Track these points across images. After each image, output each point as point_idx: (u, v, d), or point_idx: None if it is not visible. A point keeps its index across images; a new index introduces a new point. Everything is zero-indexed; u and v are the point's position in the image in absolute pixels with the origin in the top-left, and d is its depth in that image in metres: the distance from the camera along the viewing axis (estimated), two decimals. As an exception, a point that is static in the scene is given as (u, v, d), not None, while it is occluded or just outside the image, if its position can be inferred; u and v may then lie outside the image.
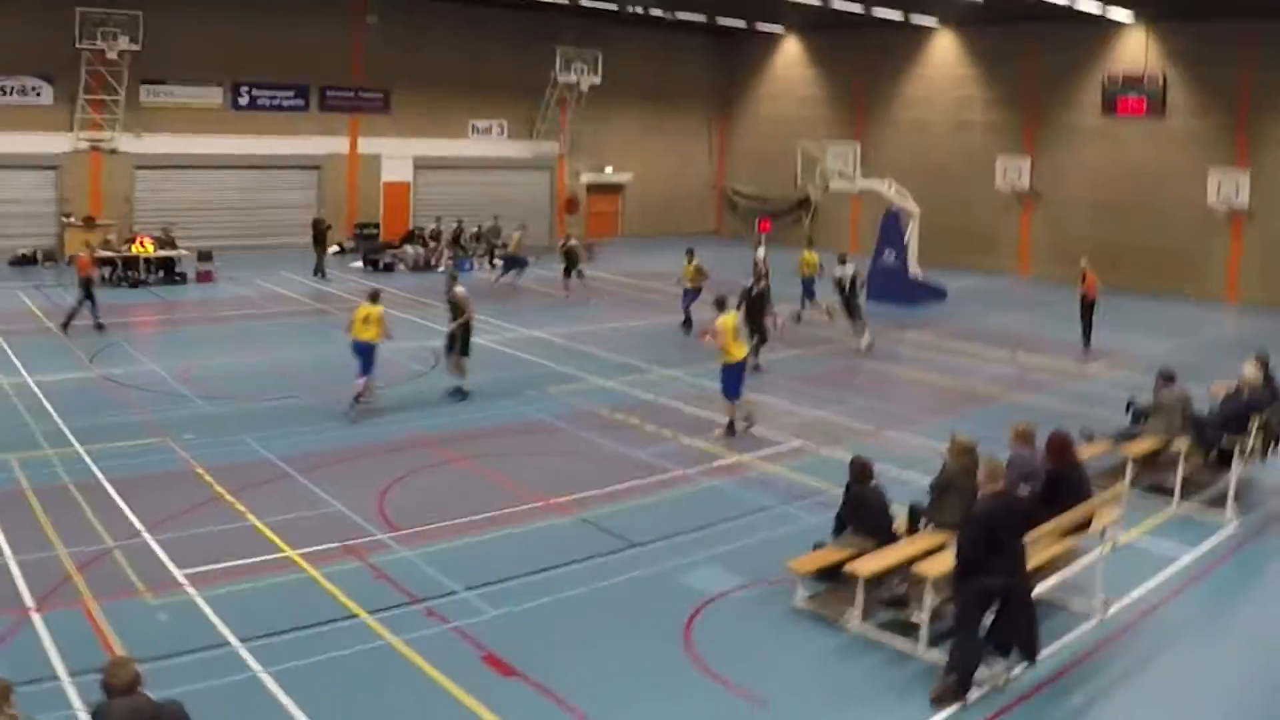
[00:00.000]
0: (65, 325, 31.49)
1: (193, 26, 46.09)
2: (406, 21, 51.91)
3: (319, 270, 42.91)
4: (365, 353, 24.14)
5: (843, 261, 33.54)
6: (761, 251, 36.20)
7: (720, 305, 24.18)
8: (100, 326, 31.64)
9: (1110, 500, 15.82)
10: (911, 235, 42.25)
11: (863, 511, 15.35)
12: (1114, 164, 48.09)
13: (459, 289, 26.63)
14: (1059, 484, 15.13)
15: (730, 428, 23.30)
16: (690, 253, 35.31)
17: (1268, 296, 43.45)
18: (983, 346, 33.13)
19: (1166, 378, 20.60)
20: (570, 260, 40.40)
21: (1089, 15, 44.80)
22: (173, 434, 21.71)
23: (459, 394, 25.75)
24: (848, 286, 33.10)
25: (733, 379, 23.28)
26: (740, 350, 23.31)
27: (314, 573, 15.34)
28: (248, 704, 11.95)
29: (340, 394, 24.84)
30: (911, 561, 14.03)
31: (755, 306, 28.33)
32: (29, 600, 14.14)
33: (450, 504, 18.33)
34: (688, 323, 34.25)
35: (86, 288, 31.66)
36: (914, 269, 42.09)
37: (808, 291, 37.21)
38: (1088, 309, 34.27)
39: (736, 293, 27.61)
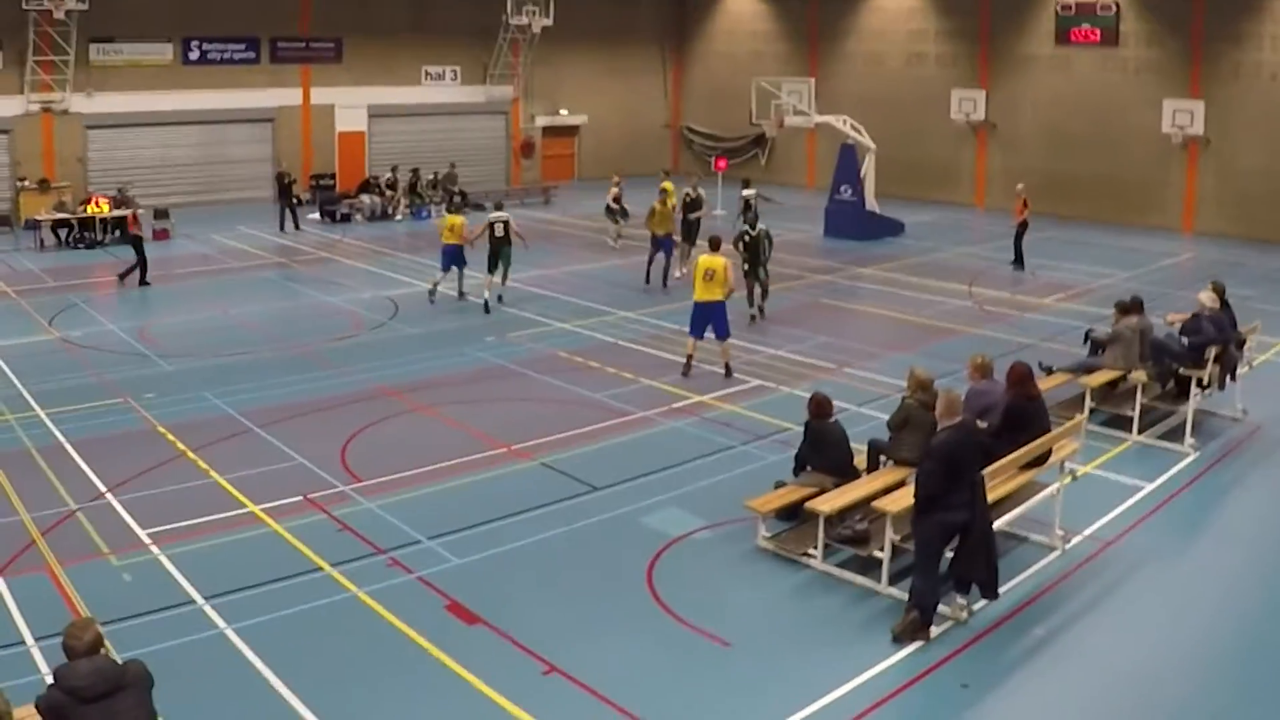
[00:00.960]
0: (141, 280, 32.73)
1: (141, -18, 45.61)
2: (354, -34, 51.47)
3: (293, 223, 42.84)
4: (450, 253, 29.89)
5: (746, 185, 36.42)
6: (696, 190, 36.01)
7: (714, 245, 23.95)
8: (123, 279, 33.01)
9: (1069, 432, 15.93)
10: (868, 170, 42.24)
11: (822, 449, 15.45)
12: (1068, 94, 48.05)
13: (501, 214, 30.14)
14: (1018, 417, 15.21)
15: (686, 365, 23.40)
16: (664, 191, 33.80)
17: (1223, 226, 43.57)
18: (940, 280, 33.17)
19: (1125, 308, 20.73)
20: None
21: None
22: (133, 394, 21.66)
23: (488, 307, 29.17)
24: (753, 206, 34.23)
25: (694, 318, 23.36)
26: (703, 291, 23.03)
27: (277, 527, 15.39)
28: (214, 661, 12.01)
29: (299, 347, 25.08)
30: (872, 498, 14.14)
31: (751, 252, 28.35)
32: (-8, 566, 14.16)
33: (412, 453, 18.38)
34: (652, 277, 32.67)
35: (137, 245, 33.13)
36: (870, 204, 42.10)
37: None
38: (1021, 232, 35.69)
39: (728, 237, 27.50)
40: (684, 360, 23.46)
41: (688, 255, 33.04)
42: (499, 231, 29.55)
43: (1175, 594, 14.04)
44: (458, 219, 30.21)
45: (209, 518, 15.71)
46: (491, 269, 29.69)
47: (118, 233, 39.89)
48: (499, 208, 30.75)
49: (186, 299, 30.85)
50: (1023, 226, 35.52)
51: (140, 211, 34.87)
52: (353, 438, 19.22)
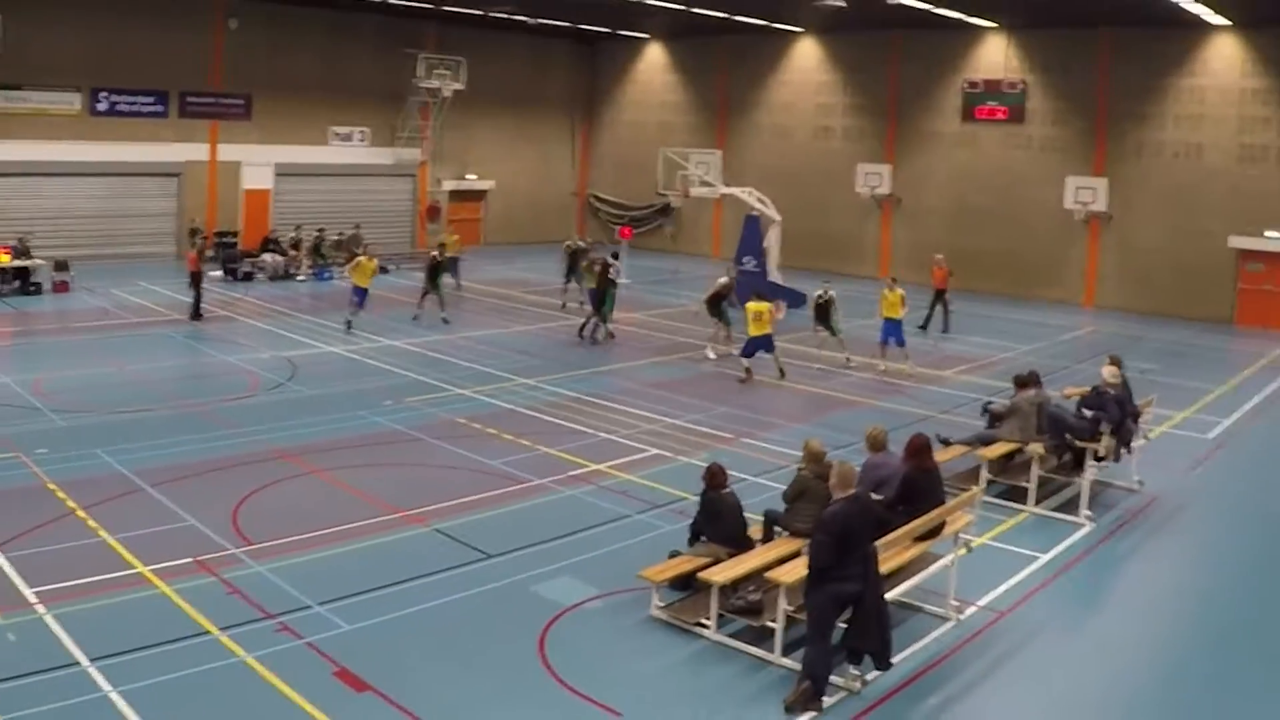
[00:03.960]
0: (195, 316, 35.78)
1: (51, 30, 45.26)
2: (267, 26, 51.47)
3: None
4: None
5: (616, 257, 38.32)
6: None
7: (759, 296, 30.72)
8: (194, 319, 35.78)
9: (964, 504, 16.15)
10: (772, 241, 42.55)
11: (717, 519, 15.49)
12: (974, 170, 49.18)
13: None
14: (913, 488, 15.39)
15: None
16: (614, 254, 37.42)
17: (1123, 301, 44.76)
18: (842, 352, 33.26)
19: (1022, 382, 21.10)
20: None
21: (950, 21, 45.73)
22: (24, 448, 21.36)
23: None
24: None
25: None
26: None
27: (166, 589, 15.22)
28: (96, 725, 11.85)
29: (195, 406, 24.95)
30: (766, 569, 14.21)
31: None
32: (-128, 621, 13.90)
33: (304, 517, 18.24)
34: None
35: (195, 281, 35.96)
36: (773, 274, 42.34)
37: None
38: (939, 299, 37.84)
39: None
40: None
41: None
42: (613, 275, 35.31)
43: (1069, 664, 14.18)
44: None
45: (97, 578, 15.46)
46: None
47: (17, 283, 39.53)
48: (615, 256, 37.46)
49: (83, 353, 30.49)
50: (941, 293, 36.43)
51: (197, 252, 36.65)
52: (245, 499, 19.05)
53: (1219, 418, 27.75)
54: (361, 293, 34.99)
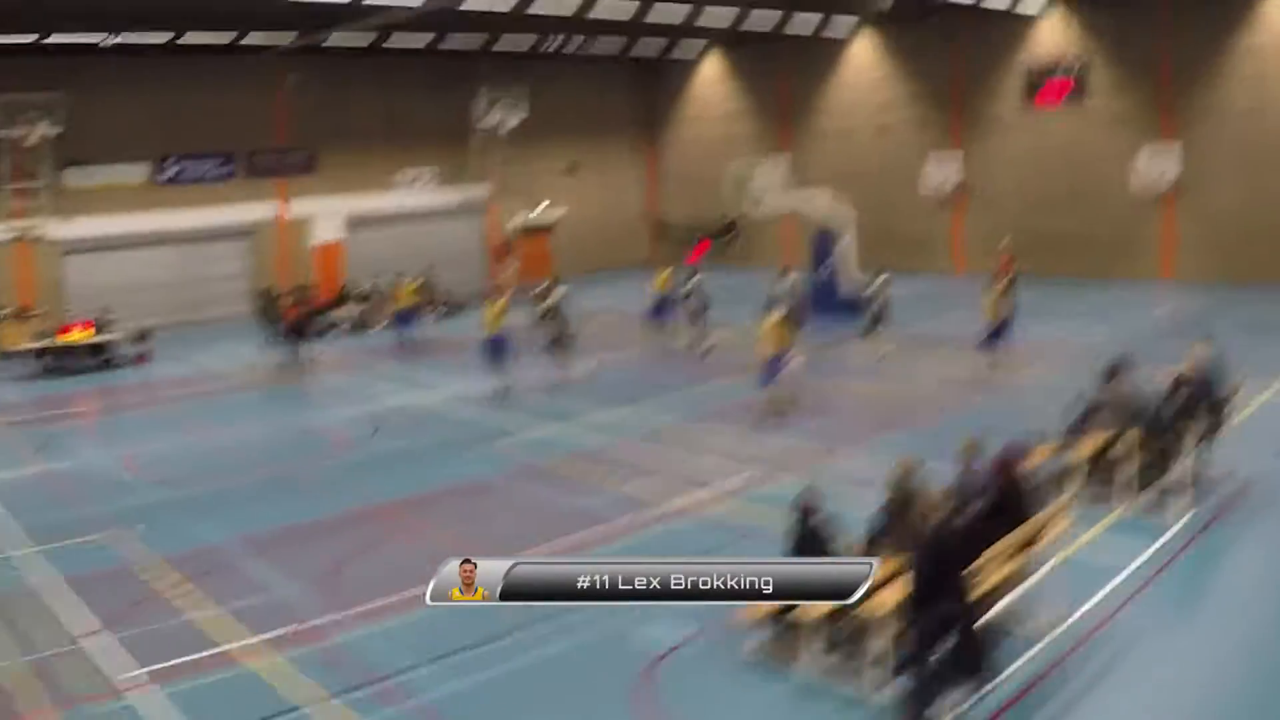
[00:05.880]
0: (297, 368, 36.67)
1: (115, 104, 46.08)
2: (327, 77, 51.83)
3: (278, 340, 42.47)
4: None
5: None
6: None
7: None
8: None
9: (1060, 510, 15.87)
10: (849, 244, 42.05)
11: (808, 550, 15.34)
12: (1042, 152, 48.57)
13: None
14: (1008, 499, 15.14)
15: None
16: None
17: (1204, 271, 44.06)
18: (926, 352, 33.01)
19: (1110, 372, 20.73)
20: None
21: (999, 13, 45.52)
22: (123, 525, 21.49)
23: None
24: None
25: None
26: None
27: (270, 660, 15.24)
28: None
29: (286, 469, 25.01)
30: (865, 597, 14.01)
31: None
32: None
33: (400, 576, 17.90)
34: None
35: (295, 333, 37.40)
36: (854, 278, 41.49)
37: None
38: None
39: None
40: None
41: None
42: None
43: (1177, 665, 13.97)
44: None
45: (204, 653, 15.42)
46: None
47: (101, 358, 39.86)
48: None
49: (171, 424, 30.75)
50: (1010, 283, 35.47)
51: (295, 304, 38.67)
52: (343, 562, 19.09)
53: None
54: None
